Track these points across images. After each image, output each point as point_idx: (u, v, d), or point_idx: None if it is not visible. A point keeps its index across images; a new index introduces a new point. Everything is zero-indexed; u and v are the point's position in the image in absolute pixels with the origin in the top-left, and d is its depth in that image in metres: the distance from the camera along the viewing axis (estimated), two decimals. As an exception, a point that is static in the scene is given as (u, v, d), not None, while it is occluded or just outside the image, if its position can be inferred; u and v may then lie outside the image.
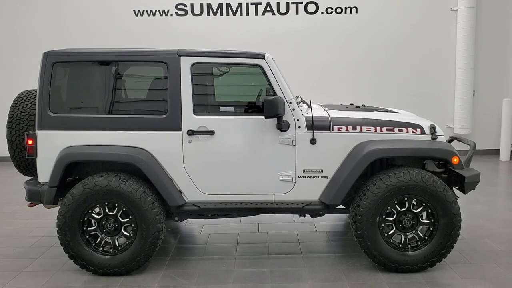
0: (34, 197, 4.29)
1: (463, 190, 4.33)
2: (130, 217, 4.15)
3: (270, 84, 4.20)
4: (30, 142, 4.17)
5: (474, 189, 4.40)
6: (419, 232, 4.21)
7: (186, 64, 4.18)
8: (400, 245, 4.21)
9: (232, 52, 4.27)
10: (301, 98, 4.79)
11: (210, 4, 10.21)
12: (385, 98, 9.93)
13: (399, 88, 10.35)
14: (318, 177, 4.26)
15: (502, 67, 10.42)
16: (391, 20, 10.26)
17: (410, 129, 4.31)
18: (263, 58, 4.20)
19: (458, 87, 10.25)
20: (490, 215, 6.04)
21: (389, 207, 4.15)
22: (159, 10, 10.23)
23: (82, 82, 4.28)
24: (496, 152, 10.36)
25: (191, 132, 4.17)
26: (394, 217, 4.19)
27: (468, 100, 10.18)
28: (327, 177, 4.26)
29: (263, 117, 4.07)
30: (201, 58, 4.22)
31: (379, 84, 10.37)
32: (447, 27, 10.29)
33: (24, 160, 4.43)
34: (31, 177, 4.61)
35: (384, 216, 4.16)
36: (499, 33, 10.35)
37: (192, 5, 10.22)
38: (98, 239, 4.22)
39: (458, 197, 4.27)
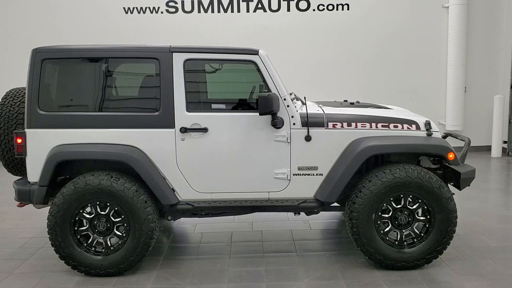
0: (24, 197, 4.20)
1: (458, 186, 4.32)
2: (123, 216, 4.08)
3: (264, 81, 4.14)
4: (19, 140, 4.08)
5: (469, 185, 4.39)
6: (415, 229, 4.18)
7: (178, 61, 4.11)
8: (396, 242, 4.18)
9: (226, 48, 4.20)
10: (295, 95, 4.74)
11: (201, 1, 10.13)
12: (377, 95, 9.90)
13: (390, 85, 10.35)
14: (313, 174, 4.22)
15: (494, 63, 10.45)
16: (382, 17, 10.25)
17: (405, 125, 4.28)
18: (257, 54, 4.14)
19: (449, 84, 10.26)
20: (484, 211, 6.05)
21: (385, 204, 4.12)
22: (149, 7, 10.12)
23: (73, 79, 4.20)
24: (488, 148, 10.39)
25: (184, 130, 4.10)
26: (390, 214, 4.16)
27: (459, 97, 10.20)
28: (322, 174, 4.22)
29: (257, 114, 4.02)
30: (194, 54, 4.15)
31: (371, 80, 10.36)
32: (439, 24, 10.29)
33: (13, 159, 4.35)
34: (20, 177, 4.52)
35: (380, 213, 4.13)
36: (490, 30, 10.37)
37: (183, 2, 10.12)
38: (90, 239, 4.14)
39: (454, 193, 4.25)
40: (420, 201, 4.12)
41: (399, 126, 4.27)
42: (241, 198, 4.25)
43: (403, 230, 4.18)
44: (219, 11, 10.18)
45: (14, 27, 10.08)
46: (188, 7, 10.15)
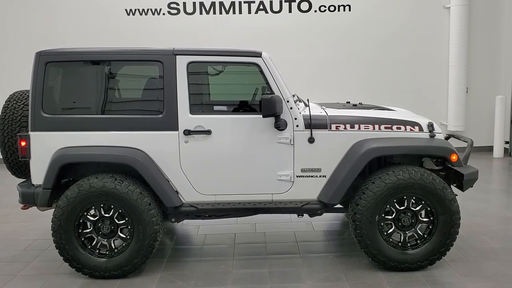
0: (28, 199, 4.21)
1: (461, 187, 4.33)
2: (126, 218, 4.09)
3: (267, 83, 4.15)
4: (23, 143, 4.09)
5: (472, 187, 4.40)
6: (418, 231, 4.18)
7: (182, 63, 4.12)
8: (400, 244, 4.18)
9: (229, 50, 4.21)
10: (298, 97, 4.75)
11: (202, 2, 10.14)
12: (378, 96, 9.92)
13: (392, 86, 10.36)
14: (317, 176, 4.22)
15: (495, 64, 10.45)
16: (384, 17, 10.26)
17: (408, 127, 4.28)
18: (260, 57, 4.14)
19: (451, 84, 10.27)
20: (487, 212, 6.04)
21: (388, 206, 4.12)
22: (151, 9, 10.14)
23: (76, 82, 4.21)
24: (490, 149, 10.38)
25: (187, 132, 4.10)
26: (393, 216, 4.16)
27: (461, 98, 10.21)
28: (325, 176, 4.22)
29: (261, 116, 4.02)
30: (197, 57, 4.16)
31: (373, 81, 10.37)
32: (440, 24, 10.30)
33: (17, 162, 4.35)
34: (24, 179, 4.53)
35: (383, 215, 4.13)
36: (492, 30, 10.38)
37: (184, 3, 10.14)
38: (94, 242, 4.14)
39: (457, 195, 4.25)
40: (423, 202, 4.12)
41: (402, 127, 4.27)
42: (245, 200, 4.25)
43: (407, 232, 4.18)
44: (220, 13, 10.19)
45: (15, 30, 10.10)
46: (190, 8, 10.16)
